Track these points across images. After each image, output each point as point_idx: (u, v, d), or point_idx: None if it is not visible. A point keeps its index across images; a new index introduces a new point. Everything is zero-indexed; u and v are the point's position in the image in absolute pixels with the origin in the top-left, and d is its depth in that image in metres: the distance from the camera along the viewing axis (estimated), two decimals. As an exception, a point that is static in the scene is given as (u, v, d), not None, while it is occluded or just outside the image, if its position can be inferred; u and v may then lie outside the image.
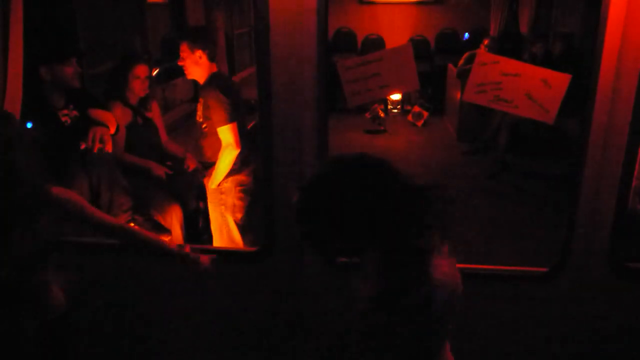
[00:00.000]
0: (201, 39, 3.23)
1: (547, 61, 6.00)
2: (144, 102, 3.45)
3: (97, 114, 3.00)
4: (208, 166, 3.38)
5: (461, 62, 7.04)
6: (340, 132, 7.29)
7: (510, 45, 7.22)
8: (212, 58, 3.23)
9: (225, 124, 3.15)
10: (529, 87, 2.39)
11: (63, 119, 2.95)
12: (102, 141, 2.78)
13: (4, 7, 2.37)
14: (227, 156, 3.22)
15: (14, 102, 2.50)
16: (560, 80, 2.37)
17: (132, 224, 3.10)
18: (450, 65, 7.62)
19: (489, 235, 4.43)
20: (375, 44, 9.37)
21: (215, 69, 3.28)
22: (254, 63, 7.59)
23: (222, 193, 3.32)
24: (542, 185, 5.48)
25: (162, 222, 3.32)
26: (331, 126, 2.36)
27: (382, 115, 7.82)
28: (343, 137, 7.23)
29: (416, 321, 1.39)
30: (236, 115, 3.20)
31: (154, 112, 3.60)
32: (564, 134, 5.29)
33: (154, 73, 4.39)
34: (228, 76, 3.37)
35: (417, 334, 1.42)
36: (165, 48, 5.86)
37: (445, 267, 1.45)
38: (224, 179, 3.28)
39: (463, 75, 6.62)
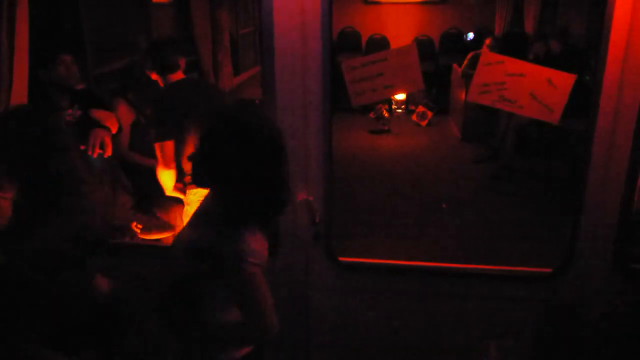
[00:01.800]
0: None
1: (548, 60, 5.99)
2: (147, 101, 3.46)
3: (99, 114, 3.00)
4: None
5: (465, 62, 7.03)
6: (344, 131, 7.28)
7: (514, 45, 7.19)
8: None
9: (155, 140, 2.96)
10: (534, 87, 2.38)
11: (67, 118, 2.96)
12: (102, 146, 2.78)
13: (10, 8, 2.38)
14: (159, 175, 2.99)
15: (20, 97, 2.50)
16: (564, 80, 2.36)
17: (134, 223, 3.11)
18: (455, 66, 7.60)
19: (494, 236, 4.41)
20: (380, 44, 9.35)
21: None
22: (259, 63, 7.61)
23: (187, 204, 3.03)
24: (547, 186, 5.46)
25: (166, 220, 3.33)
26: (334, 126, 2.36)
27: (386, 115, 7.81)
28: (347, 136, 7.22)
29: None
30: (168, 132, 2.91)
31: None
32: (568, 135, 5.27)
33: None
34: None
35: None
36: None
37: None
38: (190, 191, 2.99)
39: (467, 76, 6.61)
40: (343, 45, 9.41)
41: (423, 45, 9.02)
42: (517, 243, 4.24)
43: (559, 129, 4.56)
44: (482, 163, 6.30)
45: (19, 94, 2.50)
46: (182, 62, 3.06)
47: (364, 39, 9.68)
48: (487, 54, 3.25)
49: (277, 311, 1.68)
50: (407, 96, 8.30)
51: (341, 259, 2.52)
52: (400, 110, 8.40)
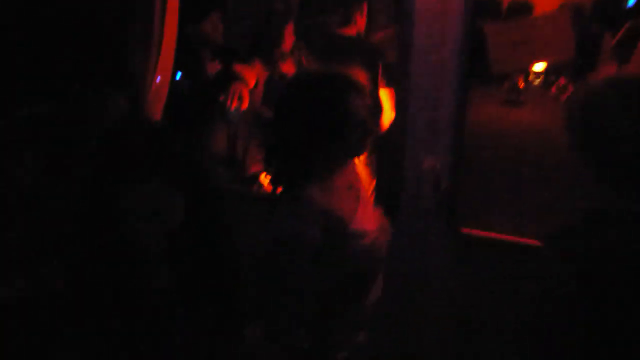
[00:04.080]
0: None
1: None
2: (283, 57, 3.54)
3: (240, 69, 3.16)
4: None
5: (620, 34, 6.31)
6: (473, 101, 6.95)
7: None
8: None
9: None
10: None
11: (209, 71, 3.14)
12: (240, 99, 2.94)
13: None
14: None
15: (169, 53, 2.69)
16: None
17: (263, 174, 3.24)
18: (607, 35, 6.87)
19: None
20: (523, 8, 8.71)
21: None
22: (391, 24, 7.45)
23: None
24: None
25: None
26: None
27: (521, 86, 7.32)
28: (475, 106, 6.90)
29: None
30: None
31: (290, 68, 3.68)
32: None
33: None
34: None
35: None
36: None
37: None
38: None
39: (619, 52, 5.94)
40: (481, 9, 8.92)
41: (572, 11, 8.24)
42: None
43: None
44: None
45: (169, 49, 2.68)
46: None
47: (505, 3, 9.08)
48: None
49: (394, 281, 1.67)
50: (547, 66, 7.72)
51: (464, 230, 2.45)
52: (538, 82, 7.83)
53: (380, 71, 2.98)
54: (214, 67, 3.15)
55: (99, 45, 2.13)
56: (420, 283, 2.52)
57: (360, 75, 2.90)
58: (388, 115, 3.03)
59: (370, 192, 3.15)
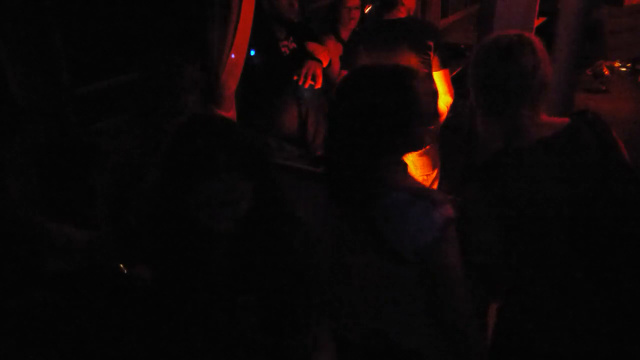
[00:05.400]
0: None
1: None
2: None
3: (314, 47, 3.16)
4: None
5: None
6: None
7: None
8: None
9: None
10: None
11: (283, 49, 3.15)
12: (313, 78, 2.93)
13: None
14: None
15: (245, 31, 2.72)
16: None
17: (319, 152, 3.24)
18: None
19: None
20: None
21: None
22: (468, 4, 7.20)
23: None
24: None
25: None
26: None
27: (606, 72, 6.88)
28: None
29: None
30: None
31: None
32: None
33: (366, 10, 4.42)
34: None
35: None
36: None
37: None
38: None
39: None
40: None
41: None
42: None
43: None
44: None
45: (245, 26, 2.71)
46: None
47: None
48: None
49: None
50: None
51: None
52: (624, 69, 7.35)
53: (432, 53, 2.81)
54: (288, 45, 3.17)
55: (180, 17, 2.17)
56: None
57: (411, 59, 2.80)
58: (444, 99, 2.86)
59: (430, 182, 3.04)
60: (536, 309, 1.65)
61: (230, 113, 2.81)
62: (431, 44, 2.80)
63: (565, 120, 1.62)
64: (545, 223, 1.58)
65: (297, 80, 2.95)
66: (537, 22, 2.09)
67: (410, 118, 1.43)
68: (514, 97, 1.55)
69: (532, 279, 1.65)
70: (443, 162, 3.07)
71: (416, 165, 2.90)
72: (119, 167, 2.00)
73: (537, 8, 2.06)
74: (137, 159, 1.95)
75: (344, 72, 2.98)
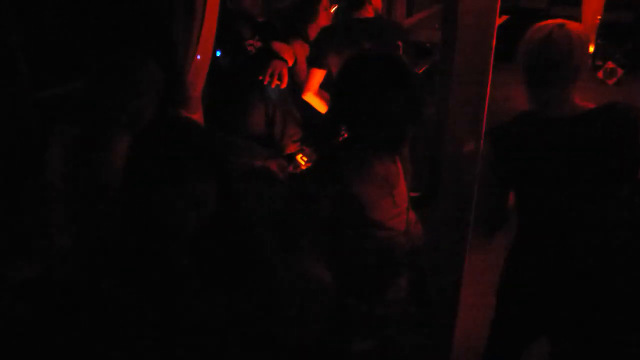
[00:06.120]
0: None
1: None
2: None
3: (278, 47, 3.14)
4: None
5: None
6: (506, 85, 6.74)
7: None
8: None
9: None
10: None
11: (249, 48, 3.13)
12: (280, 77, 2.92)
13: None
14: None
15: (210, 30, 2.69)
16: None
17: (300, 155, 3.25)
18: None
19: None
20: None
21: None
22: (433, 5, 7.28)
23: None
24: None
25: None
26: (498, 79, 2.23)
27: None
28: (508, 90, 6.68)
29: None
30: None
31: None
32: None
33: (332, 10, 4.42)
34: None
35: None
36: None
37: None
38: None
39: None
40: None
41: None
42: None
43: None
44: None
45: (210, 25, 2.68)
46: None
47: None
48: None
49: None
50: (595, 49, 7.43)
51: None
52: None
53: (400, 52, 2.85)
54: (254, 44, 3.14)
55: (144, 16, 2.14)
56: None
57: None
58: None
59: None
60: (539, 254, 1.89)
61: (197, 114, 2.77)
62: (400, 43, 2.84)
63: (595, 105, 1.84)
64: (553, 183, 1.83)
65: (263, 80, 2.93)
66: (499, 20, 2.14)
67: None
68: (551, 75, 1.79)
69: (534, 228, 1.93)
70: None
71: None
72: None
73: (499, 7, 2.10)
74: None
75: (313, 71, 2.98)
